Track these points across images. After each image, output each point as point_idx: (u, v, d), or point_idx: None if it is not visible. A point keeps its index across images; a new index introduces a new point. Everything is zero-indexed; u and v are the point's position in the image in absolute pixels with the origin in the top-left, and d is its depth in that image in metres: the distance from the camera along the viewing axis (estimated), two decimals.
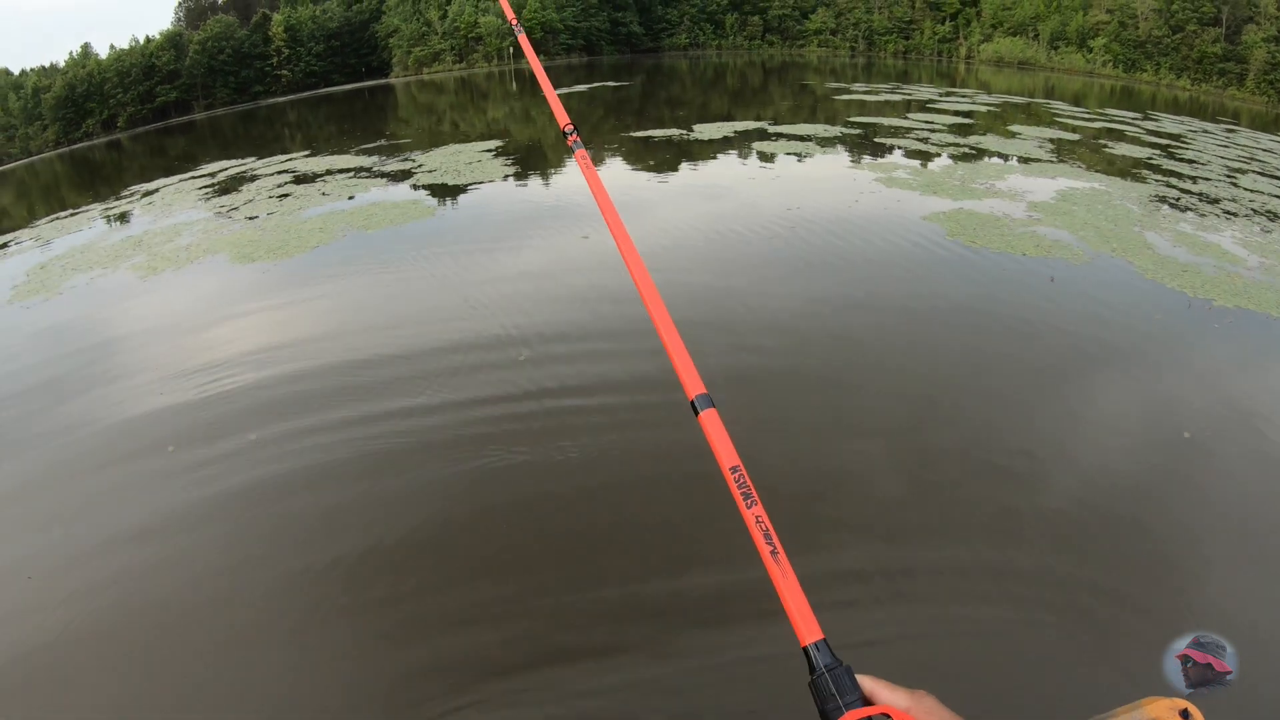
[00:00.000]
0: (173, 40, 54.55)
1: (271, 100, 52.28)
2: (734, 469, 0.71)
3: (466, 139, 19.38)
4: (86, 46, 55.08)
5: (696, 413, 0.77)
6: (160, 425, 5.64)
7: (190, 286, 9.16)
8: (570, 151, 1.04)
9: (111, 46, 55.13)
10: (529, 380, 5.65)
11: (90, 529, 4.57)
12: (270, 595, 3.83)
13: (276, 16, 56.40)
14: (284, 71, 55.68)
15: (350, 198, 12.87)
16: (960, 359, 5.98)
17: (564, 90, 30.84)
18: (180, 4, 64.69)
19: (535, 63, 1.03)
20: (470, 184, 13.32)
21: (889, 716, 0.59)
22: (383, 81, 53.87)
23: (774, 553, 0.65)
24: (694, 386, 0.78)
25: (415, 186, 13.48)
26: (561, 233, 9.70)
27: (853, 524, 4.12)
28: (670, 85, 35.58)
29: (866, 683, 0.61)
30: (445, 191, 12.93)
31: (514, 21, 1.21)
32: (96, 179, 26.50)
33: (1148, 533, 4.03)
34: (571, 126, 1.10)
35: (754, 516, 0.67)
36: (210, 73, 54.25)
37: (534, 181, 13.83)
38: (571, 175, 14.38)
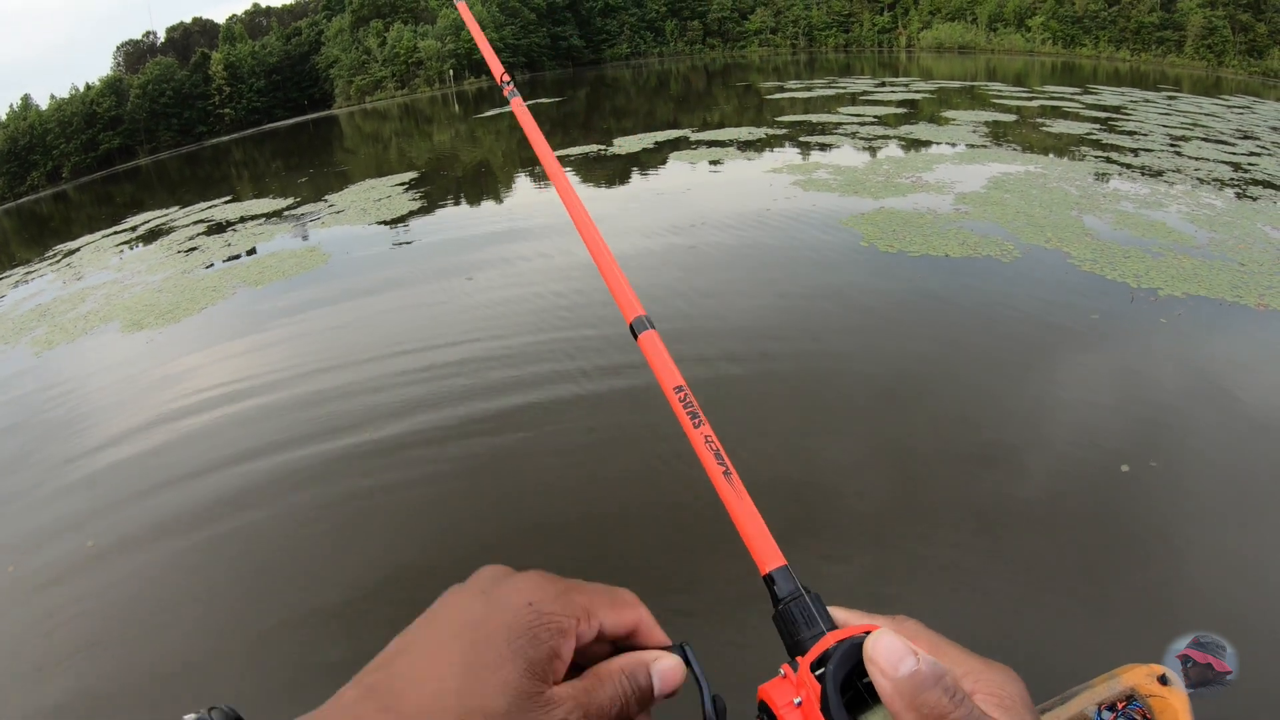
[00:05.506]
0: (113, 86, 53.74)
1: (216, 140, 51.57)
2: (678, 389, 0.64)
3: (386, 172, 18.85)
4: (26, 98, 54.08)
5: (635, 335, 0.71)
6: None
7: (77, 365, 8.62)
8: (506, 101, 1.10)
9: (52, 96, 54.24)
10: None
11: None
12: None
13: (215, 55, 55.72)
14: (226, 110, 54.98)
15: (251, 250, 12.35)
16: (844, 403, 5.35)
17: (500, 111, 30.42)
18: (119, 49, 63.77)
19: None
20: (374, 223, 12.84)
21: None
22: (326, 113, 53.25)
23: (726, 473, 0.58)
24: (631, 309, 0.72)
25: (317, 231, 13.00)
26: (448, 276, 9.12)
27: (834, 521, 4.10)
28: (614, 96, 35.28)
29: (839, 613, 0.52)
30: (345, 235, 12.40)
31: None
32: (45, 232, 25.74)
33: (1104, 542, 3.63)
34: (508, 78, 1.16)
35: (702, 436, 0.61)
36: (153, 116, 53.51)
37: (438, 217, 13.30)
38: (469, 210, 13.97)
